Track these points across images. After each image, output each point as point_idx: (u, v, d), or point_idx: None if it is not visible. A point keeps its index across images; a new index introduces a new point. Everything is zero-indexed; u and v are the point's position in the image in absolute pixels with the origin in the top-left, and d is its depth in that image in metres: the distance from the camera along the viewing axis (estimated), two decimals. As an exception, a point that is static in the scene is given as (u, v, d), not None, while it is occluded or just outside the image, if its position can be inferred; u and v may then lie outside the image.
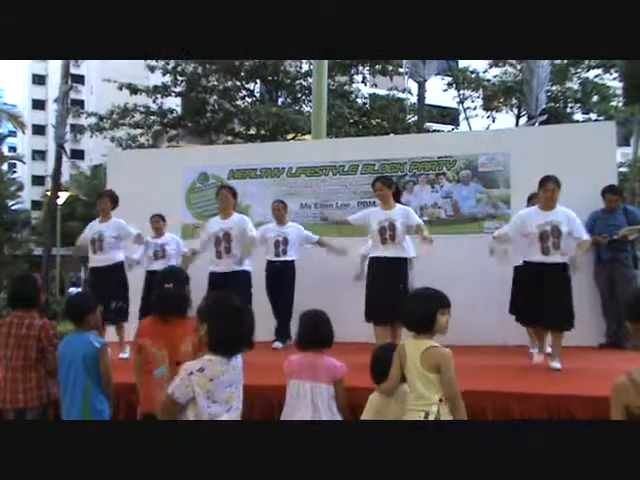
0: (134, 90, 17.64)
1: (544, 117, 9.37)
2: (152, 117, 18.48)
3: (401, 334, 4.66)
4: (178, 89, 18.46)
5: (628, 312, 2.13)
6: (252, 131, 18.10)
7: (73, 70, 22.04)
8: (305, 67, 17.78)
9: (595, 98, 18.78)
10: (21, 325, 3.51)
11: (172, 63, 17.60)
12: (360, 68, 18.13)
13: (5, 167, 31.00)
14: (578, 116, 19.27)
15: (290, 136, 17.31)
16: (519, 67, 17.10)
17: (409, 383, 2.77)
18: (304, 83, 18.25)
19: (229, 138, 18.72)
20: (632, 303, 2.13)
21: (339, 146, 7.64)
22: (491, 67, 19.54)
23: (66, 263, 23.50)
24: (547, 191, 4.62)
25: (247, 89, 18.97)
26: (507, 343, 5.73)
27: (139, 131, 18.62)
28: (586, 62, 17.86)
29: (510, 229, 4.86)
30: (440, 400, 2.63)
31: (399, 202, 5.21)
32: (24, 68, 48.62)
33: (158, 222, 6.29)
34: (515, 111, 19.78)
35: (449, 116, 23.05)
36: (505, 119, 19.83)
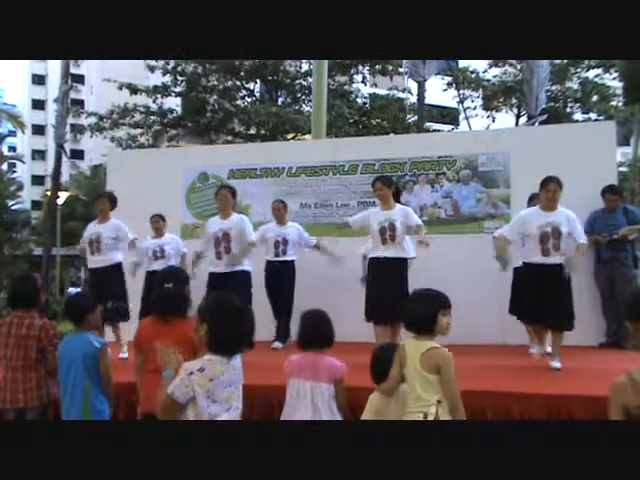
0: (134, 90, 17.64)
1: (544, 117, 9.37)
2: (152, 117, 18.48)
3: (400, 334, 4.67)
4: (178, 89, 18.46)
5: (628, 312, 2.13)
6: (252, 131, 18.10)
7: (73, 70, 22.03)
8: (305, 67, 17.78)
9: (595, 98, 18.78)
10: (21, 325, 3.51)
11: (172, 63, 17.60)
12: (360, 68, 18.12)
13: (5, 167, 30.99)
14: (578, 116, 19.27)
15: (290, 136, 17.31)
16: (519, 67, 17.10)
17: (408, 384, 2.77)
18: (304, 83, 18.25)
19: (229, 138, 18.73)
20: (632, 303, 2.13)
21: (339, 146, 7.64)
22: (491, 67, 19.53)
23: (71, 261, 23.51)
24: (549, 192, 4.61)
25: (247, 89, 18.97)
26: (507, 342, 5.74)
27: (139, 131, 18.62)
28: (586, 62, 17.86)
29: (511, 229, 4.85)
30: (438, 401, 2.63)
31: (399, 202, 5.22)
32: (24, 68, 48.62)
33: (158, 222, 6.29)
34: (515, 111, 19.78)
35: (449, 116, 23.05)
36: (505, 119, 19.83)
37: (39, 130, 46.18)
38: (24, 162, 37.72)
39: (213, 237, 5.49)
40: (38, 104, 47.96)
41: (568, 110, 19.23)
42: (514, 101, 19.23)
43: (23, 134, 34.38)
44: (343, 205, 6.81)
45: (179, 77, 18.15)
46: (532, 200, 5.29)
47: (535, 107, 8.90)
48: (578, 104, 19.18)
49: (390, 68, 17.66)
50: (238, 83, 18.58)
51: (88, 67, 42.11)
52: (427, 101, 15.68)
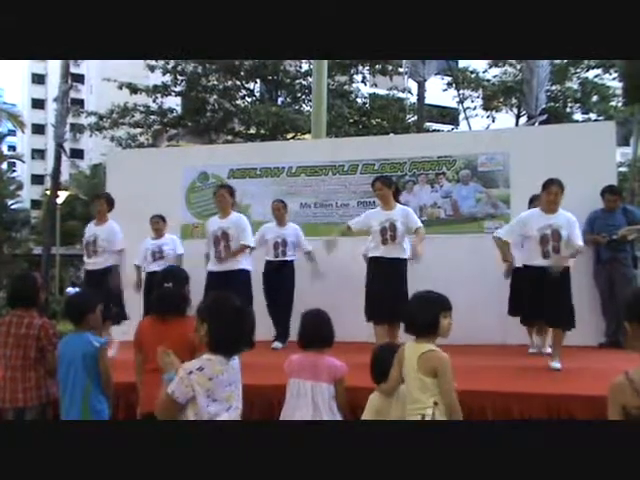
0: (134, 89, 17.64)
1: (544, 117, 9.38)
2: (152, 116, 18.48)
3: (399, 334, 4.67)
4: (178, 88, 18.46)
5: (627, 312, 2.13)
6: (252, 130, 18.10)
7: (73, 69, 22.00)
8: (305, 67, 17.78)
9: (595, 98, 18.79)
10: (20, 324, 3.51)
11: (172, 63, 17.60)
12: (360, 68, 18.13)
13: (4, 166, 31.00)
14: (578, 116, 19.28)
15: (290, 135, 17.32)
16: (519, 67, 17.11)
17: (406, 386, 2.78)
18: (304, 82, 18.26)
19: (229, 137, 18.73)
20: (631, 303, 2.13)
21: (339, 146, 7.63)
22: (491, 67, 19.54)
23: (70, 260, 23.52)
24: (550, 194, 4.60)
25: (247, 88, 18.97)
26: (507, 342, 5.74)
27: (139, 130, 18.62)
28: (586, 62, 17.87)
29: (511, 230, 4.85)
30: (435, 403, 2.63)
31: (398, 202, 5.22)
32: (24, 67, 48.59)
33: (158, 223, 6.29)
34: (515, 111, 19.78)
35: (449, 116, 23.05)
36: (505, 119, 19.84)
37: (39, 129, 46.16)
38: (24, 161, 37.73)
39: (212, 236, 5.50)
40: (38, 103, 47.94)
41: (568, 110, 19.25)
42: (514, 101, 19.24)
43: (23, 133, 34.36)
44: (343, 205, 6.81)
45: (179, 77, 18.15)
46: (533, 201, 5.28)
47: (535, 107, 8.91)
48: (578, 104, 19.19)
49: (390, 68, 17.66)
50: (238, 83, 18.58)
51: (88, 66, 42.09)
52: (427, 101, 15.67)
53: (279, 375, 3.34)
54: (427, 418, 2.61)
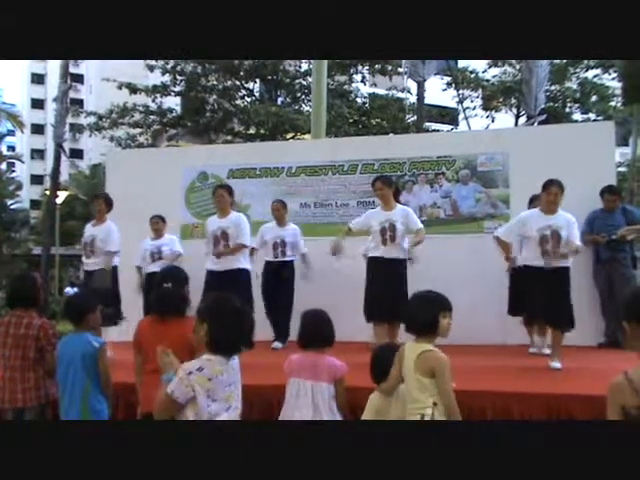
0: (133, 89, 17.63)
1: (543, 117, 9.38)
2: (151, 116, 18.47)
3: (398, 333, 4.67)
4: (177, 88, 18.46)
5: (625, 312, 2.13)
6: (251, 130, 18.10)
7: (72, 69, 22.00)
8: (304, 66, 17.78)
9: (594, 98, 18.80)
10: (20, 324, 3.51)
11: (171, 63, 17.59)
12: (359, 68, 18.13)
13: (4, 166, 31.02)
14: (577, 116, 19.28)
15: (289, 135, 17.32)
16: (518, 67, 17.11)
17: (406, 385, 2.78)
18: (303, 82, 18.26)
19: (228, 137, 18.72)
20: (630, 303, 2.13)
21: (338, 145, 7.63)
22: (490, 67, 19.53)
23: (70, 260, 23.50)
24: (550, 195, 4.60)
25: (246, 88, 18.96)
26: (507, 342, 5.74)
27: (138, 130, 18.61)
28: (585, 62, 17.87)
29: (509, 231, 4.86)
30: (434, 404, 2.63)
31: (398, 202, 5.22)
32: (23, 67, 48.56)
33: (158, 223, 6.29)
34: (514, 111, 19.78)
35: (448, 116, 23.04)
36: (504, 119, 19.84)
37: (38, 129, 46.12)
38: (23, 161, 37.74)
39: (212, 236, 5.50)
40: (37, 103, 47.91)
41: (567, 110, 19.25)
42: (513, 101, 19.24)
43: (22, 133, 34.35)
44: (343, 205, 6.81)
45: (178, 77, 18.14)
46: (533, 202, 5.28)
47: (534, 107, 8.90)
48: (577, 104, 19.19)
49: (389, 68, 17.66)
50: (238, 83, 18.57)
51: (87, 66, 42.05)
52: (426, 101, 15.69)
53: (279, 375, 3.34)
54: (426, 418, 2.61)
